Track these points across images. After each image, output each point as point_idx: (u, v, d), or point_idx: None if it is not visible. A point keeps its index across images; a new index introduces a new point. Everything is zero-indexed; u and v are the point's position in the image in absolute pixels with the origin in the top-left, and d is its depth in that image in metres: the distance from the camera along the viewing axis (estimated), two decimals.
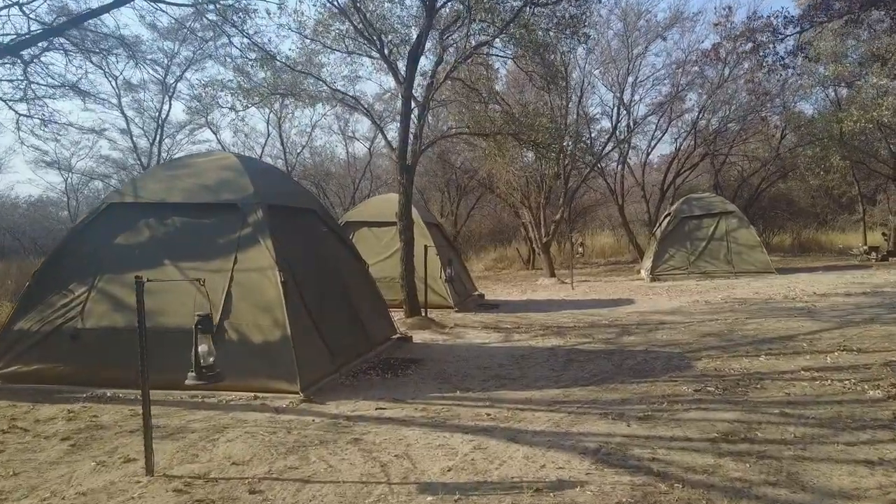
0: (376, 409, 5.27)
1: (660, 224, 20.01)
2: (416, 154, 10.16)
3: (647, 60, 37.44)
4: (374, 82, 77.14)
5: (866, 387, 5.37)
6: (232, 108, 18.58)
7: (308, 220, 7.49)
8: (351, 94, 13.40)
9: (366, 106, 11.82)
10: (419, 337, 8.96)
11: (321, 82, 12.31)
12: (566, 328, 9.60)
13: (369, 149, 28.46)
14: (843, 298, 11.57)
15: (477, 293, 14.47)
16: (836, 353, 6.79)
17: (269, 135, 28.17)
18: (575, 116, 16.54)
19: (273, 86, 12.44)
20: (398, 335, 8.37)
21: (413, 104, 10.03)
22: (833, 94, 22.26)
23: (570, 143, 19.02)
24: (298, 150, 29.58)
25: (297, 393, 5.43)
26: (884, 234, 22.39)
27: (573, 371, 6.63)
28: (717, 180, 27.09)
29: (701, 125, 24.02)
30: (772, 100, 23.40)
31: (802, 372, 6.05)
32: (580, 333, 9.04)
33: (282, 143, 28.29)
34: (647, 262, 18.80)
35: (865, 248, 21.66)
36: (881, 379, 5.61)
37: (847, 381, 5.58)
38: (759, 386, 5.63)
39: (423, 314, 10.21)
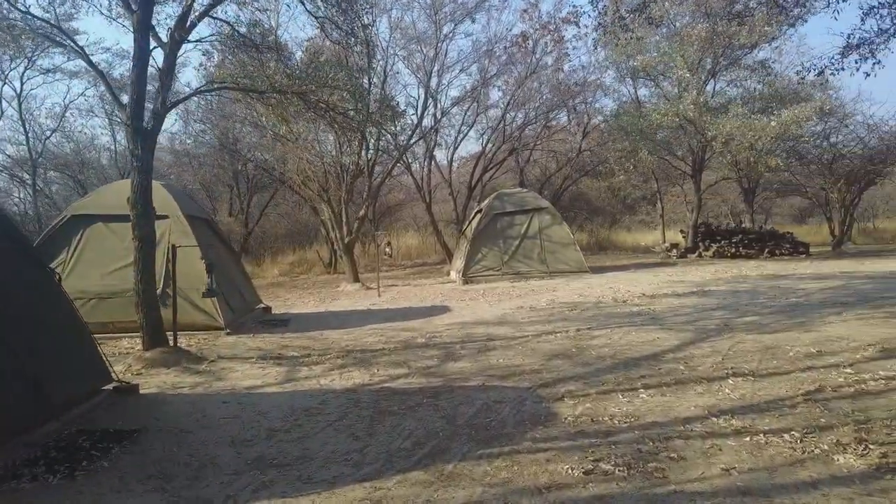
0: None
1: (469, 222, 18.47)
2: (158, 115, 7.15)
3: (455, 44, 35.37)
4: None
5: (825, 446, 3.59)
6: None
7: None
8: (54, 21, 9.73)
9: (79, 45, 8.42)
10: (154, 382, 6.03)
11: None
12: (373, 353, 7.21)
13: None
14: (677, 300, 10.46)
15: (262, 306, 11.61)
16: (729, 382, 5.11)
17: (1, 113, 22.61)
18: (378, 104, 14.25)
19: None
20: (115, 383, 5.41)
21: (154, 43, 7.04)
22: (633, 90, 22.31)
23: (372, 131, 16.84)
24: (47, 135, 24.29)
25: None
26: (682, 231, 22.93)
27: (385, 437, 4.24)
28: (522, 178, 26.53)
29: (507, 119, 23.06)
30: (574, 96, 23.09)
31: (713, 419, 4.21)
32: (392, 361, 6.70)
33: (23, 126, 22.96)
34: (459, 263, 17.11)
35: (667, 245, 21.96)
36: (831, 428, 3.89)
37: (788, 437, 3.78)
38: (672, 455, 3.63)
39: (173, 343, 7.22)
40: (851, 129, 20.23)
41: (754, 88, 20.04)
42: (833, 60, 7.83)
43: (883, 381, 4.76)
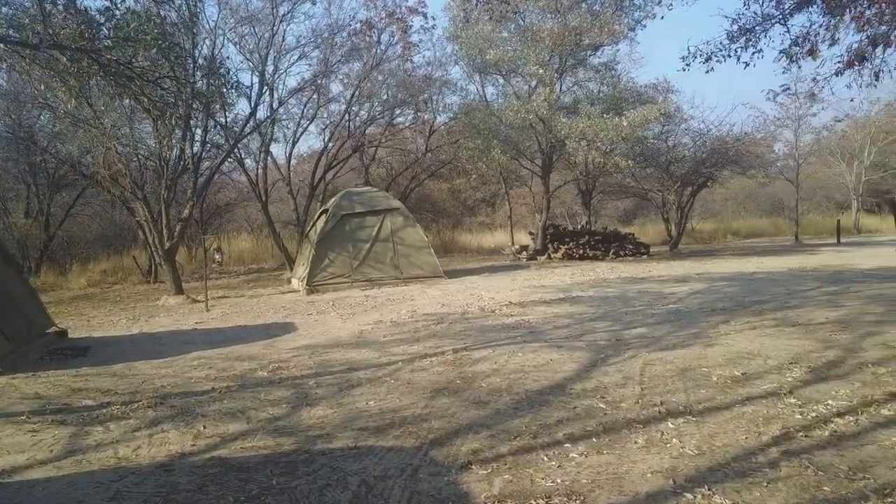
0: None
1: (313, 224, 16.74)
2: None
3: (294, 29, 33.45)
4: None
5: None
6: None
7: None
8: None
9: None
10: None
11: None
12: (198, 396, 5.46)
13: None
14: (549, 309, 9.58)
15: (54, 330, 9.19)
16: (669, 425, 4.05)
17: None
18: (205, 76, 12.11)
19: None
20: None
21: None
22: (481, 87, 21.64)
23: (199, 118, 14.66)
24: None
25: None
26: (531, 233, 22.67)
27: None
28: (367, 178, 25.10)
29: (351, 114, 21.54)
30: (421, 92, 22.06)
31: (686, 496, 3.08)
32: (224, 410, 5.01)
33: None
34: (301, 270, 15.36)
35: (516, 247, 21.55)
36: None
37: None
38: None
39: None
40: (686, 133, 21.02)
41: (598, 90, 20.18)
42: (721, 46, 7.26)
43: (850, 419, 3.93)
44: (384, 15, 19.63)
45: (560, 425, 4.19)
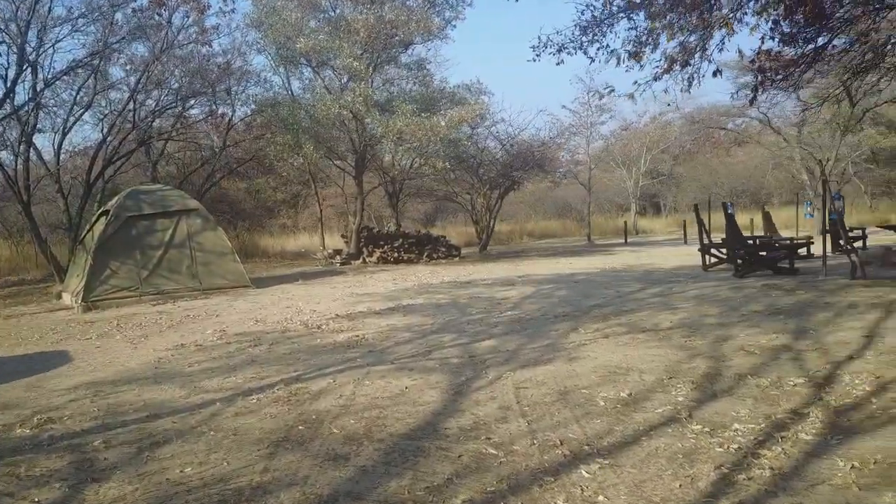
0: None
1: (90, 228, 14.22)
2: None
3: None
4: None
5: None
6: None
7: None
8: None
9: None
10: None
11: None
12: None
13: None
14: (381, 321, 8.64)
15: None
16: (583, 474, 3.26)
17: None
18: None
19: None
20: None
21: None
22: (286, 80, 20.07)
23: None
24: None
25: None
26: (343, 236, 21.55)
27: None
28: (155, 175, 22.39)
29: (136, 103, 18.90)
30: (218, 82, 19.99)
31: None
32: None
33: None
34: (76, 282, 12.94)
35: (329, 251, 20.31)
36: None
37: None
38: None
39: None
40: (496, 137, 21.27)
41: (410, 89, 19.67)
42: (573, 38, 6.85)
43: (777, 449, 3.44)
44: None
45: (451, 486, 3.26)
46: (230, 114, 21.41)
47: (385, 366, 6.00)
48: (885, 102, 25.66)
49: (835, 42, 10.74)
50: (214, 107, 21.01)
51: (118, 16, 16.85)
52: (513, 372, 5.48)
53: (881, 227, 16.73)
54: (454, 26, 19.32)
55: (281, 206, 34.57)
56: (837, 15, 9.91)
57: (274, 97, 18.87)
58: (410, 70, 19.36)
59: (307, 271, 17.55)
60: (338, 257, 19.47)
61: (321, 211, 24.04)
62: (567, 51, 7.00)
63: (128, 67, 19.21)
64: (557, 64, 7.20)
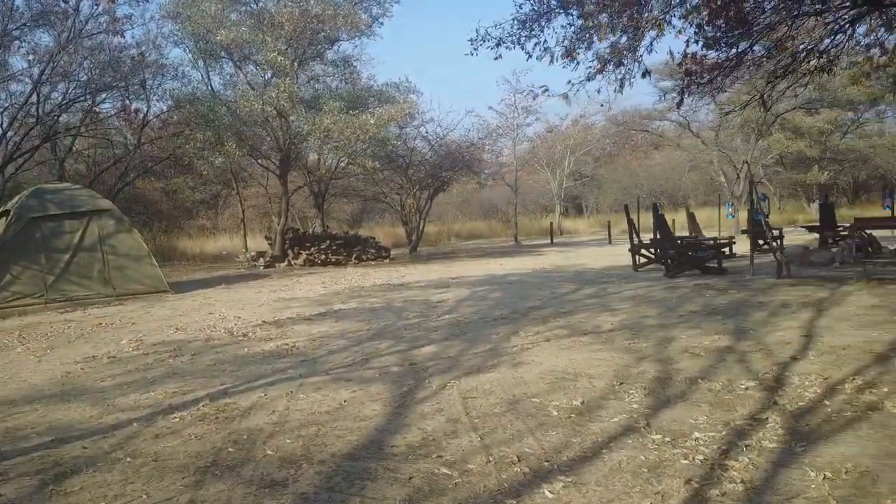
0: None
1: None
2: None
3: None
4: None
5: None
6: None
7: None
8: None
9: None
10: None
11: None
12: None
13: None
14: (312, 328, 8.22)
15: None
16: (547, 495, 3.07)
17: None
18: None
19: None
20: None
21: None
22: (206, 74, 19.15)
23: None
24: None
25: None
26: (267, 237, 20.78)
27: None
28: (62, 174, 20.99)
29: (40, 96, 17.63)
30: (132, 75, 18.89)
31: None
32: None
33: None
34: None
35: (252, 253, 19.53)
36: None
37: None
38: None
39: None
40: (424, 137, 21.04)
41: (337, 87, 19.18)
42: (512, 33, 6.67)
43: (744, 460, 3.31)
44: None
45: None
46: (145, 109, 20.32)
47: (320, 377, 5.64)
48: (794, 109, 26.99)
49: (755, 48, 11.05)
50: (128, 101, 19.89)
51: (18, 0, 15.67)
52: (457, 380, 5.22)
53: (805, 226, 17.57)
54: (381, 23, 18.97)
55: (200, 206, 33.18)
56: (758, 21, 10.18)
57: (193, 92, 17.98)
58: (337, 67, 18.87)
59: (230, 275, 16.81)
60: (261, 260, 18.75)
61: (243, 212, 23.12)
62: (506, 45, 6.84)
63: (30, 58, 17.92)
64: (496, 58, 7.02)
